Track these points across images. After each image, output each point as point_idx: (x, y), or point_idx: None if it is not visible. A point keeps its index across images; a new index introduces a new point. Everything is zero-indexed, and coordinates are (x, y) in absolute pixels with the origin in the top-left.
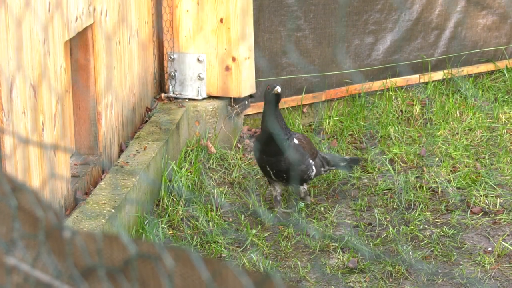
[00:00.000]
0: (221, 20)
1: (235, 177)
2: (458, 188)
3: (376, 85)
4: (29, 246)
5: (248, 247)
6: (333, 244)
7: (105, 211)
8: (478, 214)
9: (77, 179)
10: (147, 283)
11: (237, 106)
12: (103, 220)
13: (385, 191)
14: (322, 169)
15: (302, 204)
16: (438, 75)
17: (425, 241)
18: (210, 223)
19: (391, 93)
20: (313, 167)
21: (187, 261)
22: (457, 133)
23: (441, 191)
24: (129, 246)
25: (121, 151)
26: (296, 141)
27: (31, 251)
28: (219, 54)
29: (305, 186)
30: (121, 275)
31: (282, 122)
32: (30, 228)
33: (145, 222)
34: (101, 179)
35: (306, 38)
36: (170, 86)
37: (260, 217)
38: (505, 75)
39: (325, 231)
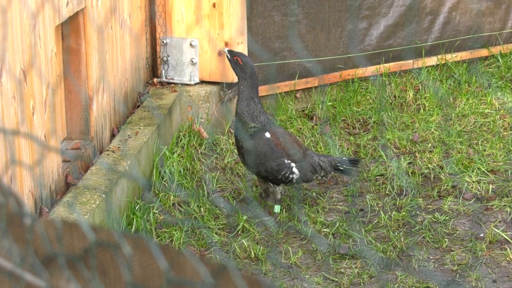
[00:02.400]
0: (214, 5)
1: (227, 162)
2: (451, 174)
3: (370, 70)
4: None
5: (239, 232)
6: (325, 230)
7: (95, 196)
8: (470, 200)
9: (68, 164)
10: (107, 271)
11: (229, 91)
12: (93, 205)
13: (377, 177)
14: (316, 175)
15: (277, 208)
16: (432, 60)
17: (417, 227)
18: (202, 208)
19: (384, 78)
20: (294, 170)
21: (145, 249)
22: (450, 119)
23: (433, 177)
24: (88, 234)
25: (113, 136)
26: (268, 134)
27: None
28: (212, 39)
29: (281, 188)
30: (81, 264)
31: (256, 107)
32: None
33: (136, 208)
34: (92, 164)
35: (299, 23)
36: (163, 71)
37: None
38: (498, 60)
39: (316, 217)
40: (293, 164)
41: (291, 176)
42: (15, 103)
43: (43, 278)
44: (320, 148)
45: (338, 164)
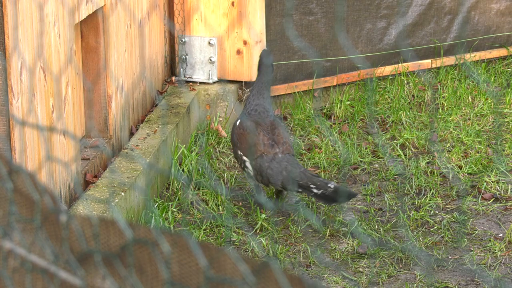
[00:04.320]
0: (233, 4)
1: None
2: (469, 174)
3: (388, 69)
4: (26, 230)
5: (257, 231)
6: (343, 229)
7: (114, 194)
8: (489, 200)
9: (87, 162)
10: (144, 269)
11: (248, 90)
12: (112, 203)
13: (396, 176)
14: (260, 180)
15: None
16: (450, 60)
17: (436, 227)
18: (220, 207)
19: (403, 77)
20: (247, 165)
21: (184, 247)
22: (469, 119)
23: (452, 177)
24: (125, 231)
25: (131, 134)
26: (238, 122)
27: (28, 235)
28: (231, 37)
29: (252, 180)
30: (117, 261)
31: (252, 97)
32: (27, 212)
33: (155, 206)
34: (111, 162)
35: (318, 22)
36: (181, 70)
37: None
38: None
39: (335, 216)
40: (245, 158)
41: (246, 169)
42: (35, 101)
43: (78, 275)
44: (339, 147)
45: (311, 185)
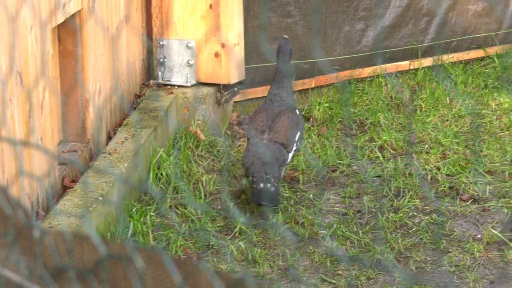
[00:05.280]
0: (211, 6)
1: (224, 164)
2: (448, 175)
3: (366, 71)
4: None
5: (236, 235)
6: (322, 231)
7: (92, 199)
8: (467, 202)
9: (64, 167)
10: (118, 285)
11: (226, 92)
12: (90, 208)
13: (374, 178)
14: (245, 167)
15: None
16: (428, 61)
17: (414, 229)
18: (199, 210)
19: (381, 79)
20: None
21: (159, 263)
22: (447, 120)
23: (431, 178)
24: (99, 246)
25: (109, 138)
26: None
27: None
28: (209, 40)
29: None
30: (91, 277)
31: (272, 87)
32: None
33: (133, 210)
34: (89, 166)
35: (296, 24)
36: (159, 73)
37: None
38: (495, 61)
39: (314, 219)
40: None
41: None
42: (11, 106)
43: None
44: (317, 149)
45: (252, 176)
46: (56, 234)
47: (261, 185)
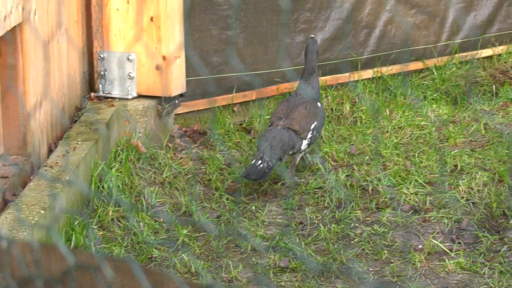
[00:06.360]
0: (152, 19)
1: (166, 176)
2: (388, 186)
3: None
4: None
5: (179, 247)
6: (265, 243)
7: (34, 213)
8: (408, 212)
9: (5, 180)
10: None
11: (167, 105)
12: (32, 222)
13: (316, 190)
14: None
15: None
16: (368, 73)
17: (356, 240)
18: (141, 223)
19: (321, 91)
20: None
21: (127, 272)
22: (387, 131)
23: (372, 189)
24: (67, 256)
25: (50, 151)
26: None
27: None
28: (150, 53)
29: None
30: (59, 286)
31: (300, 83)
32: None
33: (75, 223)
34: (30, 180)
35: (237, 37)
36: (100, 85)
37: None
38: (433, 73)
39: (256, 231)
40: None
41: None
42: None
43: None
44: None
45: (256, 158)
46: (23, 244)
47: (253, 161)
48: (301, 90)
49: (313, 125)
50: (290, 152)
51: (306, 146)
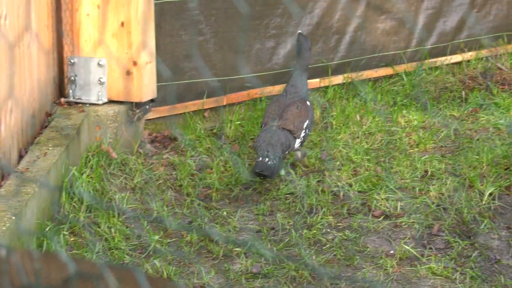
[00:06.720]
0: (122, 24)
1: (137, 182)
2: (360, 191)
3: (277, 89)
4: None
5: (151, 253)
6: (237, 249)
7: (5, 219)
8: (380, 218)
9: None
10: None
11: (138, 110)
12: (3, 228)
13: (287, 195)
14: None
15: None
16: (338, 79)
17: (328, 245)
18: (112, 229)
19: None
20: None
21: (131, 280)
22: (358, 137)
23: (343, 195)
24: (68, 264)
25: (21, 157)
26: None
27: None
28: (120, 58)
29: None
30: None
31: (291, 78)
32: None
33: (46, 229)
34: (1, 185)
35: (207, 42)
36: (70, 91)
37: (163, 223)
38: (403, 79)
39: (228, 236)
40: None
41: None
42: None
43: None
44: (229, 167)
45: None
46: (23, 253)
47: (260, 158)
48: (292, 88)
49: (305, 124)
50: (287, 152)
51: (299, 145)
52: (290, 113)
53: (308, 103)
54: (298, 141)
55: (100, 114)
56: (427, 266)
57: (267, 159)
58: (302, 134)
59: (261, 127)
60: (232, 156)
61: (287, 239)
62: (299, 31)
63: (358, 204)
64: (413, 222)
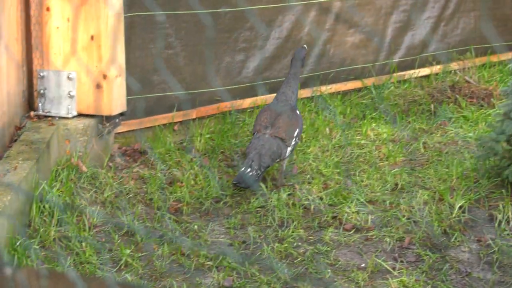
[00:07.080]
0: (92, 38)
1: (107, 196)
2: (330, 205)
3: (247, 102)
4: None
5: (122, 267)
6: (208, 262)
7: None
8: (351, 231)
9: None
10: None
11: (108, 124)
12: None
13: (258, 209)
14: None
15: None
16: (307, 92)
17: (299, 258)
18: (83, 243)
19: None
20: None
21: None
22: (327, 150)
23: (314, 208)
24: (78, 283)
25: None
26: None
27: None
28: (90, 71)
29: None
30: None
31: (282, 86)
32: None
33: (17, 244)
34: None
35: (177, 56)
36: (40, 104)
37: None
38: (372, 92)
39: (200, 250)
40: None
41: None
42: None
43: None
44: (200, 181)
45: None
46: (29, 271)
47: (243, 169)
48: (282, 96)
49: (295, 132)
50: (277, 160)
51: (290, 153)
52: (282, 122)
53: (298, 112)
54: (289, 149)
55: (69, 127)
56: (399, 279)
57: (248, 170)
58: (293, 143)
59: (252, 134)
60: (202, 170)
61: (259, 253)
62: (304, 45)
63: (329, 217)
64: (384, 235)
